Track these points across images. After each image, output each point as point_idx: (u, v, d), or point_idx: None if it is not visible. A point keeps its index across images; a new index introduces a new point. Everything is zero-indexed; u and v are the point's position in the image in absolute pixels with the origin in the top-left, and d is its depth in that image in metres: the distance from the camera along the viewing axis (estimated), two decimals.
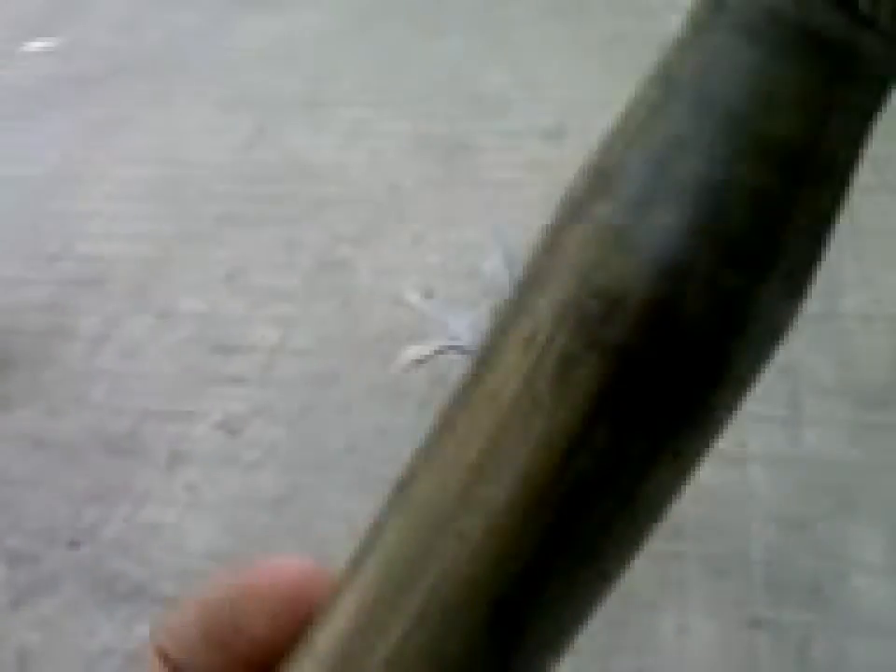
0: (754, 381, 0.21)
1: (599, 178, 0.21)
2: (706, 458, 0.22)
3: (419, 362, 1.54)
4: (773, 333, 0.21)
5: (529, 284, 0.21)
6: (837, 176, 0.20)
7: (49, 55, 4.19)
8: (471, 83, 3.43)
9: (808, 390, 2.00)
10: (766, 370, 0.21)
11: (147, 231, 2.87)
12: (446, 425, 0.22)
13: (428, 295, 2.04)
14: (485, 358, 0.21)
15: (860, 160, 0.20)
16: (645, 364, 0.19)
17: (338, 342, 2.33)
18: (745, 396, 0.21)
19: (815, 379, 2.02)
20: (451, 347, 1.59)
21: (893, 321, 2.15)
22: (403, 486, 0.22)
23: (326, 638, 0.22)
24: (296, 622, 0.23)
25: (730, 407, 0.21)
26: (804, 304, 0.21)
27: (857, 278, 2.28)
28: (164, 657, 0.24)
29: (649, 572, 1.67)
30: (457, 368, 1.97)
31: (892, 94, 0.19)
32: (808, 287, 0.21)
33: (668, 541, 1.72)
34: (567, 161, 2.93)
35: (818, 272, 0.21)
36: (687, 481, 0.21)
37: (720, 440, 0.22)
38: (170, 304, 2.54)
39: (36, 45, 4.32)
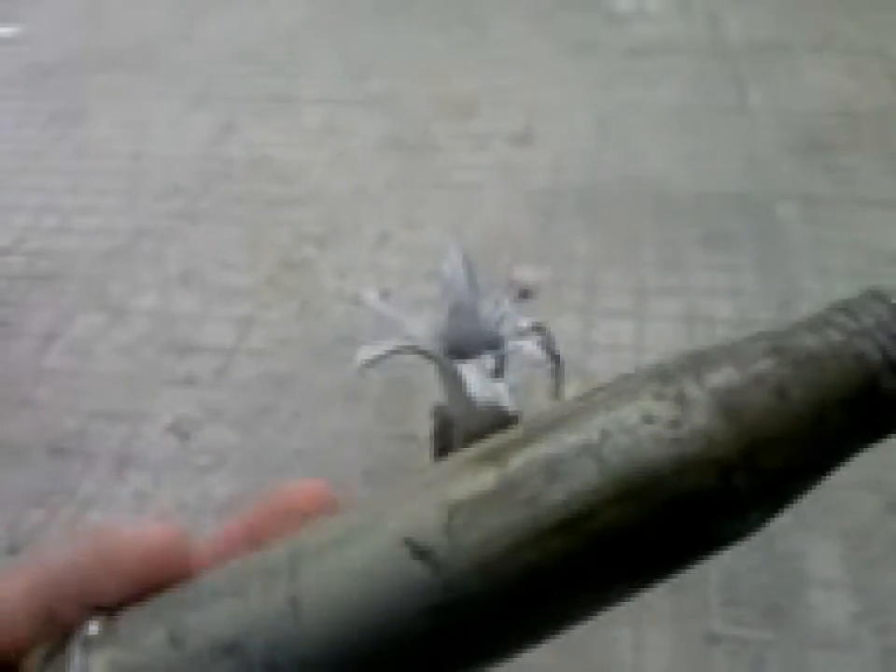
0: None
1: None
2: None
3: (374, 362, 1.50)
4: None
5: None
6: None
7: (11, 43, 4.09)
8: (440, 85, 3.39)
9: None
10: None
11: (102, 227, 2.79)
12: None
13: (387, 296, 2.00)
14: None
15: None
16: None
17: (295, 343, 2.28)
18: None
19: None
20: (406, 347, 1.55)
21: None
22: None
23: None
24: (150, 587, 0.23)
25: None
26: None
27: (817, 290, 2.27)
28: None
29: None
30: (413, 371, 1.93)
31: None
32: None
33: None
34: (533, 165, 2.91)
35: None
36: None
37: None
38: (123, 302, 2.47)
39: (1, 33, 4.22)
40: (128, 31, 4.09)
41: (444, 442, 1.68)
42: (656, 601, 1.61)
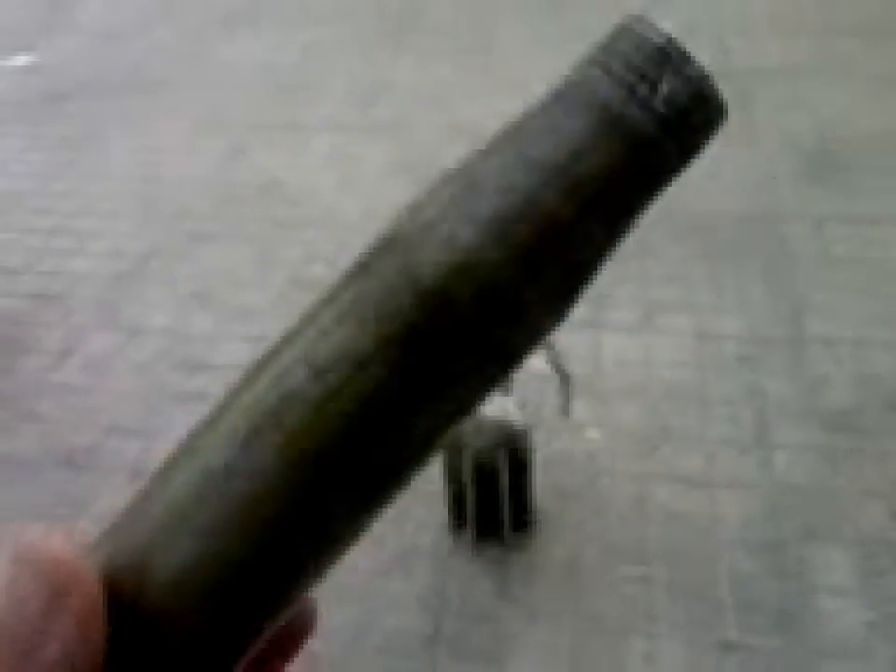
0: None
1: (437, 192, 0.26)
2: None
3: None
4: (532, 333, 0.26)
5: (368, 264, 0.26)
6: (614, 218, 0.26)
7: (29, 72, 4.16)
8: (448, 111, 3.44)
9: (775, 415, 1.99)
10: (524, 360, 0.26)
11: (116, 248, 2.83)
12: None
13: None
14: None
15: (640, 210, 0.26)
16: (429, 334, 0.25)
17: None
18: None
19: (781, 404, 2.02)
20: None
21: (858, 347, 2.16)
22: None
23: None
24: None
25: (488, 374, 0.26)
26: (565, 314, 0.26)
27: (823, 305, 2.29)
28: None
29: (616, 598, 1.65)
30: None
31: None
32: (570, 301, 0.26)
33: (636, 566, 1.69)
34: None
35: (584, 288, 0.26)
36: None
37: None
38: (136, 321, 2.50)
39: (17, 60, 4.30)
40: (140, 58, 4.16)
41: (454, 458, 1.70)
42: (668, 610, 1.62)
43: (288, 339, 0.26)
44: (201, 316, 2.51)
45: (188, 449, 0.25)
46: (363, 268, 0.26)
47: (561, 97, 0.26)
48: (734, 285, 2.42)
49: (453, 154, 3.16)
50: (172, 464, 0.25)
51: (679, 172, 0.26)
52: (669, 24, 3.92)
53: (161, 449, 2.07)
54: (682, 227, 2.65)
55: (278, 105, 3.63)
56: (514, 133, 0.26)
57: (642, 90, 0.25)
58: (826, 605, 1.60)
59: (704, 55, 3.66)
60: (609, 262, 2.54)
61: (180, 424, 2.14)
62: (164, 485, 0.25)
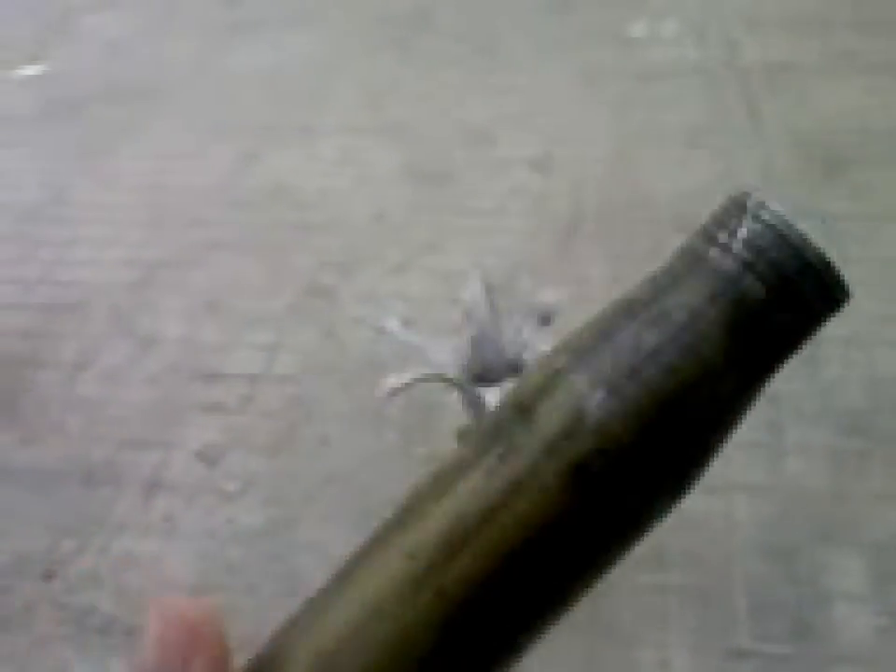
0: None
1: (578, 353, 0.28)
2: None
3: (399, 391, 1.53)
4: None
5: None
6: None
7: (38, 80, 4.19)
8: (457, 114, 3.44)
9: (790, 418, 1.99)
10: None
11: (130, 257, 2.85)
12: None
13: (410, 323, 2.03)
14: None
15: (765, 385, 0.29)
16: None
17: (320, 370, 2.32)
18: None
19: (796, 407, 2.02)
20: (432, 375, 1.58)
21: (872, 349, 2.15)
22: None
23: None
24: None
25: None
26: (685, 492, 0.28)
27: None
28: None
29: (629, 605, 1.66)
30: (438, 396, 1.95)
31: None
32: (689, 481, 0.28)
33: (649, 573, 1.70)
34: (553, 190, 2.95)
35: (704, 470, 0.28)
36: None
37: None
38: (151, 331, 2.52)
39: (27, 71, 4.33)
40: (150, 66, 4.18)
41: None
42: (681, 618, 1.62)
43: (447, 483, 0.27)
44: (214, 325, 2.52)
45: (346, 581, 0.28)
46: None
47: (688, 274, 0.28)
48: None
49: (463, 157, 3.16)
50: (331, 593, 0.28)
51: (800, 342, 0.28)
52: (671, 24, 3.91)
53: (178, 461, 2.09)
54: (691, 231, 2.64)
55: (287, 110, 3.64)
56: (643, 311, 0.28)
57: (757, 264, 0.27)
58: (839, 611, 1.60)
59: (711, 52, 3.65)
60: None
61: (196, 435, 2.16)
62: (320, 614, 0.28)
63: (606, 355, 0.27)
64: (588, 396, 0.26)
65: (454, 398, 1.70)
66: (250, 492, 2.01)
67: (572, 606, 0.28)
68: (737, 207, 0.28)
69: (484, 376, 1.64)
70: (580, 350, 0.27)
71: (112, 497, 2.02)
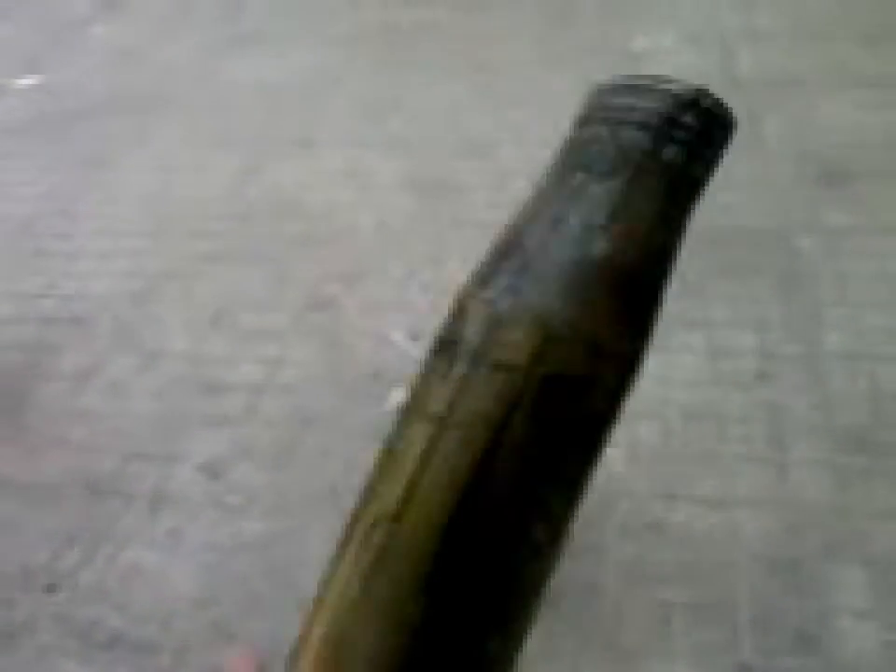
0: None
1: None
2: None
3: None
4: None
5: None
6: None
7: (37, 91, 4.20)
8: (460, 124, 3.46)
9: (792, 432, 2.00)
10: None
11: (132, 270, 2.86)
12: None
13: (414, 336, 2.04)
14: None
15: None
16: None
17: (324, 382, 2.32)
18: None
19: (799, 420, 2.02)
20: None
21: (875, 362, 2.16)
22: None
23: None
24: None
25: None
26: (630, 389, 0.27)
27: (839, 320, 2.29)
28: None
29: (634, 619, 1.66)
30: None
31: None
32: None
33: (654, 588, 1.70)
34: None
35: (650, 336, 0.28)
36: None
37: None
38: (155, 343, 2.53)
39: (25, 81, 4.34)
40: (152, 77, 4.19)
41: None
42: (685, 632, 1.62)
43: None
44: (217, 337, 2.53)
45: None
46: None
47: (586, 158, 0.29)
48: (747, 300, 2.42)
49: (465, 168, 3.17)
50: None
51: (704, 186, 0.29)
52: (670, 37, 3.93)
53: (182, 474, 2.09)
54: (694, 243, 2.65)
55: (289, 122, 3.65)
56: (554, 196, 0.29)
57: (660, 128, 0.28)
58: (844, 625, 1.60)
59: (710, 66, 3.67)
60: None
61: (200, 448, 2.16)
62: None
63: (504, 270, 0.27)
64: (497, 301, 0.27)
65: None
66: (254, 504, 2.01)
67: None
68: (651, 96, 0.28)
69: None
70: (480, 275, 0.28)
71: (116, 509, 2.02)
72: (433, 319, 2.42)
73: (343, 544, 0.29)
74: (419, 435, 0.26)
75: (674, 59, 3.78)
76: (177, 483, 2.07)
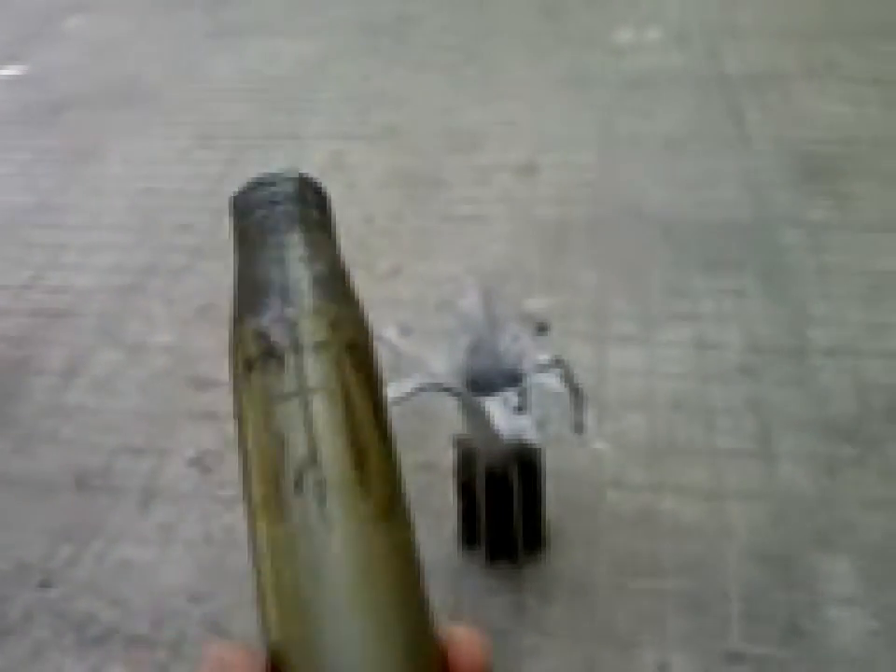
0: None
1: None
2: None
3: (399, 400, 1.54)
4: None
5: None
6: None
7: (20, 83, 4.16)
8: (444, 120, 3.46)
9: (779, 425, 2.03)
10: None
11: (119, 263, 2.85)
12: None
13: (405, 331, 2.04)
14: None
15: None
16: None
17: None
18: None
19: (785, 414, 2.05)
20: (430, 385, 1.59)
21: (860, 356, 2.19)
22: None
23: None
24: None
25: None
26: None
27: (824, 315, 2.32)
28: None
29: (627, 609, 1.68)
30: (433, 404, 1.97)
31: None
32: None
33: (646, 578, 1.73)
34: (538, 197, 2.97)
35: None
36: None
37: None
38: (141, 338, 2.52)
39: (7, 71, 4.30)
40: (134, 69, 4.16)
41: (468, 474, 1.73)
42: (678, 622, 1.65)
43: None
44: (204, 331, 2.52)
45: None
46: None
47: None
48: (732, 294, 2.45)
49: (450, 160, 3.18)
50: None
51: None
52: (655, 32, 3.95)
53: (173, 468, 2.09)
54: (679, 238, 2.68)
55: (274, 115, 3.64)
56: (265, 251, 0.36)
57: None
58: (832, 614, 1.63)
59: (696, 60, 3.70)
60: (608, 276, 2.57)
61: (190, 442, 2.16)
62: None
63: (251, 292, 0.35)
64: (271, 323, 0.34)
65: (449, 406, 1.72)
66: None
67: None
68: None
69: (482, 384, 1.66)
70: (239, 303, 0.36)
71: (107, 504, 2.02)
72: (422, 314, 2.43)
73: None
74: (292, 408, 0.32)
75: (659, 54, 3.80)
76: (168, 478, 2.08)
